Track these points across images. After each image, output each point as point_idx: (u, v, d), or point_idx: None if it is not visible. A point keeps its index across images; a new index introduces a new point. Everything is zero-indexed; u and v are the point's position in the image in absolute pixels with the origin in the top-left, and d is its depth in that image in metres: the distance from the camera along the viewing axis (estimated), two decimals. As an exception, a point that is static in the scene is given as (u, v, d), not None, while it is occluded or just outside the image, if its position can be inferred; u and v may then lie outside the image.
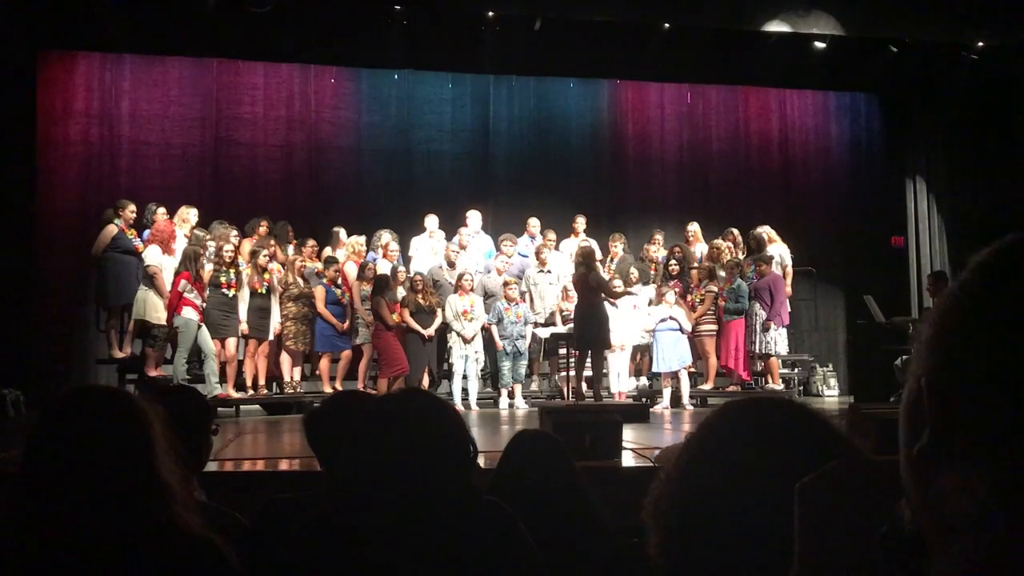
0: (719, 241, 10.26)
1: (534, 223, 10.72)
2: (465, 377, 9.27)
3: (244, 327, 8.76)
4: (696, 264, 10.11)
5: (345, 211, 10.95)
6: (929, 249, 12.46)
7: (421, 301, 9.16)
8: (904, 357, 9.31)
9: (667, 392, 9.32)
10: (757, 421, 0.99)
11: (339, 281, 9.23)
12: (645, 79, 12.25)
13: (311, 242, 9.78)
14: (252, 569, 1.81)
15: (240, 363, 8.91)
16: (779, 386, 9.63)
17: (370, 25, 10.69)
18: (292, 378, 9.11)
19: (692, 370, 9.56)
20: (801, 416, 1.01)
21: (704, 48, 11.33)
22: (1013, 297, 0.56)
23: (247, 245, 9.33)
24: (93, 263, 9.15)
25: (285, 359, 9.09)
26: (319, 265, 9.45)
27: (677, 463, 1.01)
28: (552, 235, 10.43)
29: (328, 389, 8.85)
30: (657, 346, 9.26)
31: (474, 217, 10.67)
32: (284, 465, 5.32)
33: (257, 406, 9.02)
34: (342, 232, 10.18)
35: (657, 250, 10.50)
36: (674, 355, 9.21)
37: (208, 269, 8.68)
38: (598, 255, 9.82)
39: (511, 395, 9.42)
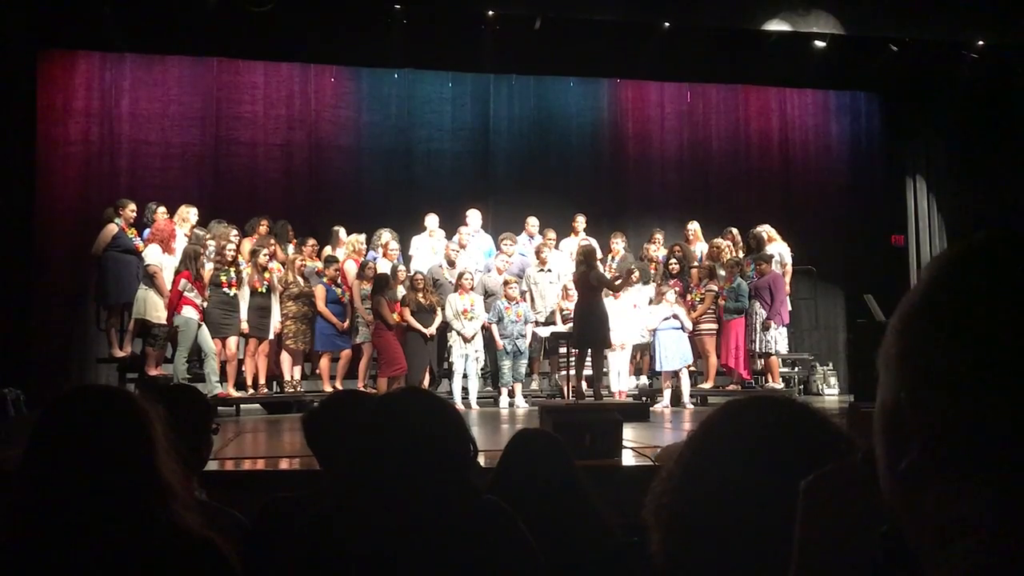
0: (719, 240, 10.26)
1: (533, 222, 10.71)
2: (465, 376, 9.27)
3: (244, 326, 8.77)
4: (696, 263, 10.11)
5: (345, 210, 10.95)
6: (929, 248, 12.48)
7: (421, 300, 9.15)
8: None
9: (667, 391, 9.33)
10: (758, 420, 0.99)
11: (339, 280, 9.24)
12: (645, 78, 12.26)
13: (311, 241, 9.78)
14: (252, 568, 1.81)
15: (240, 362, 8.91)
16: (779, 385, 9.64)
17: (370, 24, 10.71)
18: (292, 377, 9.11)
19: (692, 369, 9.57)
20: (802, 415, 1.01)
21: (704, 47, 11.34)
22: (993, 296, 0.55)
23: (247, 244, 9.33)
24: (93, 262, 9.15)
25: (285, 358, 9.09)
26: (319, 264, 9.45)
27: (678, 462, 1.01)
28: (552, 234, 10.42)
29: (328, 388, 8.85)
30: (658, 345, 9.27)
31: (474, 216, 10.67)
32: (284, 464, 5.31)
33: (257, 405, 9.01)
34: (342, 231, 10.17)
35: (657, 249, 10.49)
36: (675, 354, 9.22)
37: (208, 268, 8.68)
38: (599, 254, 9.82)
39: (511, 394, 9.42)
